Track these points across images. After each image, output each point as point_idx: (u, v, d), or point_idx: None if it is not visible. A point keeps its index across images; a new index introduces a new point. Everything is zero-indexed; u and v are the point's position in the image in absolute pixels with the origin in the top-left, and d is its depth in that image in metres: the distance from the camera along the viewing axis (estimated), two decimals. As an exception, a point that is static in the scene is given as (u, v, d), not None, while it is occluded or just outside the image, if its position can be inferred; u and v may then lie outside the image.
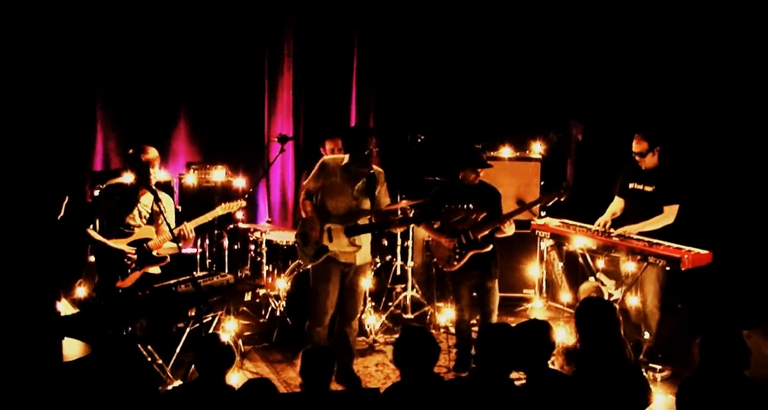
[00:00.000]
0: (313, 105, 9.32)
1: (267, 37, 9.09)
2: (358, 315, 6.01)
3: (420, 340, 4.25)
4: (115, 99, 8.42)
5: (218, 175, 7.98)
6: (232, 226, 7.85)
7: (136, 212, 5.64)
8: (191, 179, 7.91)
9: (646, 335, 6.18)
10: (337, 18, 9.28)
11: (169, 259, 5.73)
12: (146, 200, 5.66)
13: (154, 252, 5.69)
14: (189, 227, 5.67)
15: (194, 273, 6.76)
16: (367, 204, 5.72)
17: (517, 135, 8.22)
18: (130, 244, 5.60)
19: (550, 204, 6.31)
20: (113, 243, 5.55)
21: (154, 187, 5.61)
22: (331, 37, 9.28)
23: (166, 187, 7.57)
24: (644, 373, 4.98)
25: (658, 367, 6.04)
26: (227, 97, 8.86)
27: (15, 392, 4.96)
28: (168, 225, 5.50)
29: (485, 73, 9.31)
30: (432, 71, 9.37)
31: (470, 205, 5.57)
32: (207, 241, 7.86)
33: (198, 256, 7.84)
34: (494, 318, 6.19)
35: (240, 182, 8.12)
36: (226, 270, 7.56)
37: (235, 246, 7.96)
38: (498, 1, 9.23)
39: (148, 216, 5.68)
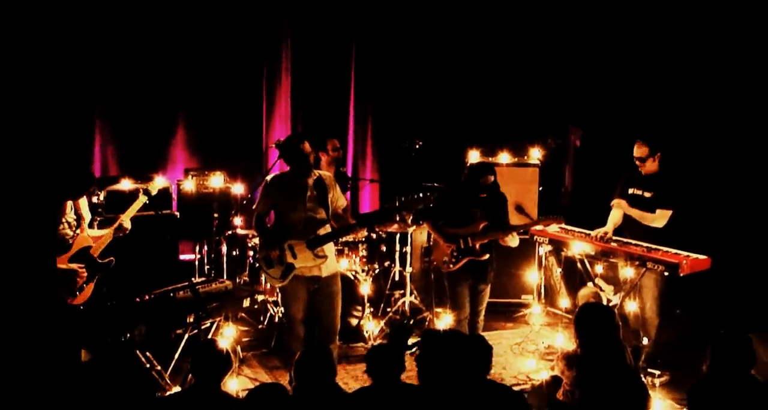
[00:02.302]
0: (311, 111, 9.33)
1: (265, 43, 9.09)
2: (338, 330, 5.85)
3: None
4: (114, 105, 8.41)
5: (216, 181, 7.95)
6: (230, 232, 7.83)
7: (65, 224, 5.39)
8: (189, 185, 7.89)
9: (645, 340, 6.18)
10: (335, 24, 9.29)
11: (114, 261, 5.51)
12: (68, 208, 5.43)
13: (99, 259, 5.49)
14: (122, 218, 5.52)
15: (193, 279, 6.75)
16: (323, 213, 5.66)
17: (516, 140, 8.24)
18: (72, 259, 5.36)
19: (550, 227, 6.27)
20: (61, 265, 5.25)
21: None
22: (329, 43, 9.30)
23: (164, 193, 7.56)
24: (643, 379, 4.98)
25: (657, 373, 6.04)
26: (225, 103, 8.86)
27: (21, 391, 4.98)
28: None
29: (484, 79, 9.35)
30: (430, 77, 9.40)
31: (427, 194, 5.56)
32: (205, 248, 7.85)
33: (196, 262, 7.83)
34: (482, 317, 6.32)
35: (238, 188, 8.10)
36: (225, 277, 7.53)
37: (234, 253, 7.93)
38: (497, 7, 9.26)
39: (75, 222, 5.46)
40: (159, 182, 5.85)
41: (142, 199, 5.64)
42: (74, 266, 5.33)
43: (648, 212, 6.11)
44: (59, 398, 5.05)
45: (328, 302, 5.73)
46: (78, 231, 5.45)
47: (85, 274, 5.36)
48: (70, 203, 5.44)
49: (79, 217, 5.48)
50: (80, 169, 5.43)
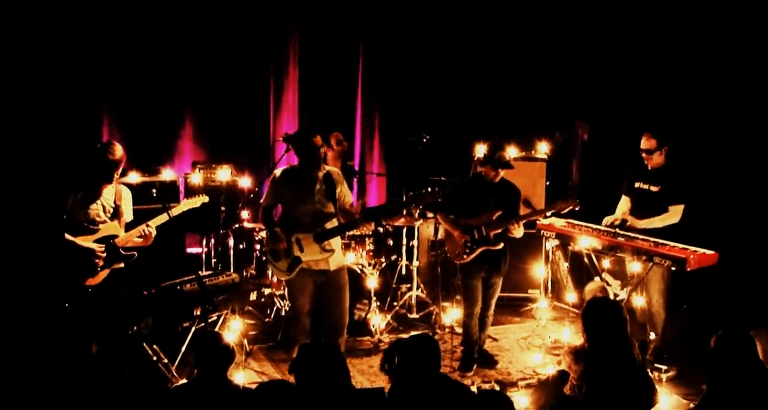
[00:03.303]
0: (318, 104, 9.33)
1: (273, 36, 9.09)
2: (346, 324, 5.87)
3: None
4: (122, 98, 8.43)
5: (224, 174, 7.96)
6: (237, 226, 7.84)
7: (99, 207, 5.44)
8: (197, 178, 7.89)
9: (652, 335, 6.17)
10: (343, 18, 9.29)
11: (136, 255, 5.54)
12: (108, 194, 5.48)
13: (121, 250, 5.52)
14: (152, 225, 5.54)
15: (200, 272, 6.76)
16: (330, 207, 5.68)
17: (523, 135, 8.22)
18: (96, 241, 5.41)
19: (565, 212, 6.27)
20: (81, 241, 5.35)
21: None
22: (336, 36, 9.29)
23: (171, 186, 7.57)
24: (650, 373, 4.97)
25: (664, 367, 6.02)
26: (233, 96, 8.87)
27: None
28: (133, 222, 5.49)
29: (491, 73, 9.33)
30: (437, 71, 9.38)
31: (436, 188, 5.55)
32: (212, 241, 7.85)
33: (203, 256, 7.84)
34: (492, 311, 6.35)
35: (245, 182, 8.11)
36: (232, 270, 7.54)
37: (241, 246, 7.94)
38: (503, 2, 9.24)
39: (112, 210, 5.49)
40: (182, 205, 5.88)
41: (164, 217, 5.67)
42: (93, 245, 5.37)
43: (655, 207, 6.10)
44: (67, 387, 5.09)
45: (335, 295, 5.74)
46: (115, 221, 5.49)
47: (104, 256, 5.39)
48: (109, 189, 5.48)
49: (116, 207, 5.51)
50: (92, 150, 5.43)
